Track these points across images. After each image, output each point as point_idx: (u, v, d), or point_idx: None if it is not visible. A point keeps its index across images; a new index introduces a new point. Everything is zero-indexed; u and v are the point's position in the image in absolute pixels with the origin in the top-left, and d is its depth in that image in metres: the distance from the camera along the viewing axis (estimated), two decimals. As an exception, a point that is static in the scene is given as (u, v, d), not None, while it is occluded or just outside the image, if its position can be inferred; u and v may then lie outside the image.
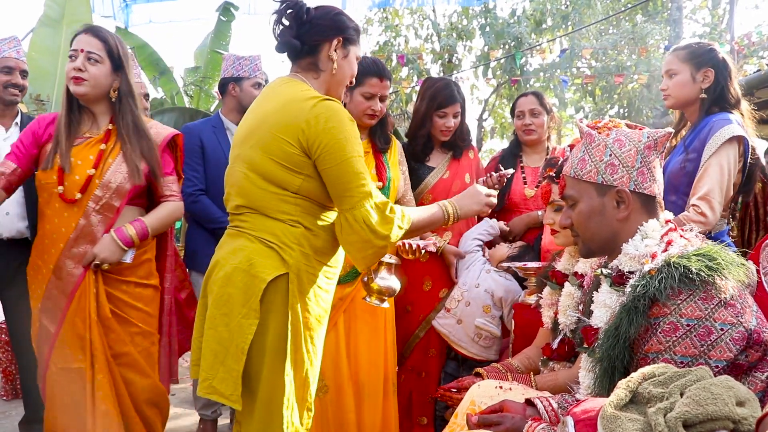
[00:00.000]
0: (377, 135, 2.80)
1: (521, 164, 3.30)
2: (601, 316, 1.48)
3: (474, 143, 3.32)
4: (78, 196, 2.31)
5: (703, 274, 1.30)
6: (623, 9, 12.87)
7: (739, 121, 2.36)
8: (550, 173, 2.12)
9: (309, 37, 1.91)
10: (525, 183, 3.25)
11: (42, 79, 4.30)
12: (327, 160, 1.76)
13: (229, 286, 1.78)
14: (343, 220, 1.81)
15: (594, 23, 13.06)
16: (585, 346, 1.52)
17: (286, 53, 1.96)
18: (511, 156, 3.36)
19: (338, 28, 1.92)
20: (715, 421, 0.96)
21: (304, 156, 1.78)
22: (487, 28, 13.29)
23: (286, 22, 1.94)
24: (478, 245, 2.98)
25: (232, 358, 1.75)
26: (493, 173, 2.88)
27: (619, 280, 1.47)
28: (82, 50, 2.30)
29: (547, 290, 2.16)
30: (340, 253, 1.96)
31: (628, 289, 1.40)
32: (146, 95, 3.45)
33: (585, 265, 1.94)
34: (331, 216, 1.89)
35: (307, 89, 1.86)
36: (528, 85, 13.91)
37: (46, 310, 2.34)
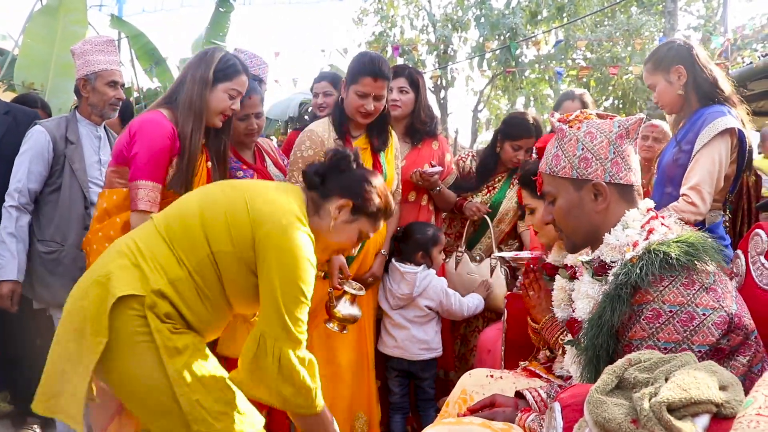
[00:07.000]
0: (374, 133, 2.76)
1: None
2: (584, 307, 1.49)
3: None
4: None
5: (682, 259, 1.31)
6: (618, 0, 12.87)
7: (734, 113, 2.37)
8: (517, 179, 2.18)
9: (329, 182, 1.87)
10: None
11: (36, 68, 4.26)
12: (262, 278, 1.68)
13: (84, 300, 1.69)
14: (255, 333, 1.69)
15: (589, 15, 13.07)
16: (570, 339, 1.54)
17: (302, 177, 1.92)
18: None
19: (355, 193, 1.85)
20: (698, 405, 0.98)
21: (251, 250, 1.70)
22: (482, 19, 13.28)
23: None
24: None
25: (80, 377, 1.63)
26: (417, 170, 2.89)
27: (600, 270, 1.48)
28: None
29: None
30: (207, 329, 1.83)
31: (610, 278, 1.41)
32: (121, 84, 2.80)
33: (575, 258, 1.96)
34: (207, 306, 1.76)
35: (298, 208, 1.78)
36: (524, 77, 13.92)
37: None
